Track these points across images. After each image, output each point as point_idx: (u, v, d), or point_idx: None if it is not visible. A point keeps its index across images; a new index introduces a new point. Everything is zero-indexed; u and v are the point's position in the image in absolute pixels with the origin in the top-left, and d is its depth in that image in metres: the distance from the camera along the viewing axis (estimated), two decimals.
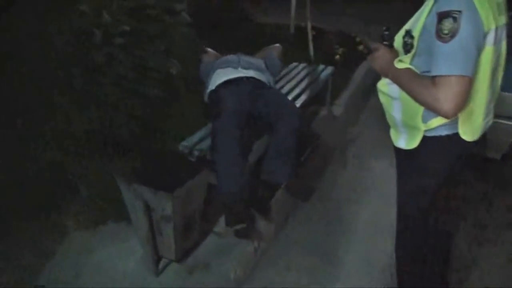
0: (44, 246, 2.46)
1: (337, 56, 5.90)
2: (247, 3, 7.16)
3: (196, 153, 2.65)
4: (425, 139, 1.68)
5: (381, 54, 1.72)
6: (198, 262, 2.41)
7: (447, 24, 1.42)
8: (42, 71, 2.81)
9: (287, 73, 4.28)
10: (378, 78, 1.86)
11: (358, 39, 6.98)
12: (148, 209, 2.14)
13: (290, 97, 3.59)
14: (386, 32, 1.73)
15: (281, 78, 4.10)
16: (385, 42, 1.72)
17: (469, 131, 1.64)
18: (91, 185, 2.73)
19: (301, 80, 4.09)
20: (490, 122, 1.75)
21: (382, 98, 1.84)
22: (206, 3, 6.64)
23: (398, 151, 1.84)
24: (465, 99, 1.47)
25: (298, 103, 3.49)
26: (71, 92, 2.85)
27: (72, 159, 2.86)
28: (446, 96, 1.43)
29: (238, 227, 2.45)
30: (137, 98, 3.04)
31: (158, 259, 2.33)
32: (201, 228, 2.48)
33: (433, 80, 1.47)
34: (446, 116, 1.49)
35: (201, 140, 2.77)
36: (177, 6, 3.03)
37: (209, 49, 3.59)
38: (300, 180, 3.28)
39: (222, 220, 2.70)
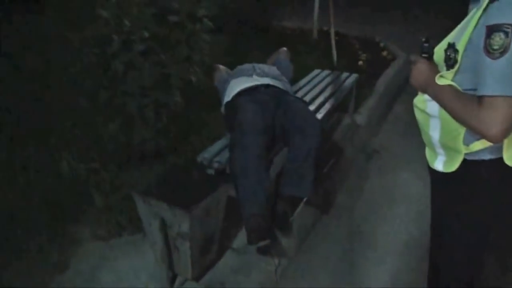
0: (57, 257, 2.40)
1: (361, 62, 5.77)
2: (270, 8, 7.07)
3: (215, 165, 2.55)
4: (465, 162, 1.53)
5: (420, 68, 1.56)
6: (215, 280, 2.31)
7: (498, 39, 1.28)
8: (67, 78, 2.77)
9: (309, 81, 4.17)
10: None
11: (382, 45, 6.84)
12: (164, 225, 2.05)
13: (312, 106, 3.48)
14: (426, 44, 1.56)
15: (303, 86, 3.99)
16: (424, 55, 1.56)
17: None
18: (107, 196, 2.66)
19: (324, 88, 3.98)
20: None
21: (419, 116, 1.68)
22: (231, 9, 6.60)
23: (434, 173, 1.69)
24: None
25: (321, 112, 3.38)
26: (94, 101, 2.79)
27: (89, 169, 2.81)
28: (494, 119, 1.30)
29: (261, 244, 2.34)
30: (157, 107, 2.96)
31: (173, 277, 2.24)
32: (219, 245, 2.38)
33: (479, 100, 1.33)
34: (491, 141, 1.36)
35: (221, 151, 2.67)
36: (200, 12, 2.94)
37: (219, 66, 3.49)
38: (321, 193, 3.18)
39: (241, 236, 2.61)
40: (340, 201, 3.22)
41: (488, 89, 1.31)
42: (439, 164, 1.64)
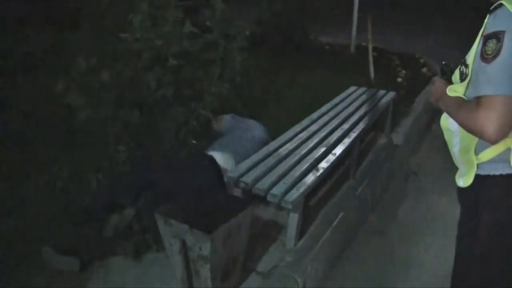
0: (80, 274, 2.39)
1: (399, 79, 5.62)
2: (308, 23, 7.03)
3: (241, 185, 2.50)
4: (478, 178, 1.59)
5: (437, 85, 1.71)
6: None
7: (491, 44, 1.38)
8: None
9: (345, 98, 4.08)
10: None
11: (422, 61, 6.66)
12: (184, 247, 2.01)
13: (346, 124, 3.39)
14: (445, 66, 1.73)
15: (338, 103, 3.90)
16: (443, 76, 1.72)
17: None
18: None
19: (360, 106, 3.88)
20: None
21: (445, 134, 1.75)
22: (269, 25, 6.63)
23: (459, 191, 1.73)
24: (510, 121, 1.38)
25: (355, 131, 3.28)
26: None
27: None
28: (489, 118, 1.37)
29: None
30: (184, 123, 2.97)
31: None
32: (242, 267, 2.31)
33: (477, 102, 1.42)
34: (489, 140, 1.41)
35: (248, 171, 2.62)
36: (233, 30, 2.93)
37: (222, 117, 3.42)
38: (352, 215, 3.08)
39: (265, 258, 2.54)
40: (371, 225, 3.10)
41: (481, 90, 1.39)
42: (461, 180, 1.68)
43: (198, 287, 2.12)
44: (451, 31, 8.72)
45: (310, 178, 2.63)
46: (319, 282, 2.53)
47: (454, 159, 1.72)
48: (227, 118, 3.35)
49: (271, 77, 5.52)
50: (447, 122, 1.69)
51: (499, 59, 1.35)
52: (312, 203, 3.07)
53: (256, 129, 3.19)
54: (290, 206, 2.38)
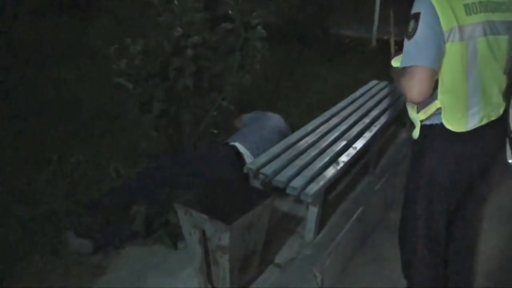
0: (97, 259, 2.41)
1: None
2: (328, 16, 6.96)
3: (261, 177, 2.49)
4: (423, 128, 1.84)
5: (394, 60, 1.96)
6: None
7: (411, 24, 1.68)
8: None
9: (365, 92, 4.03)
10: None
11: None
12: (204, 238, 2.01)
13: (367, 118, 3.35)
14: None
15: (358, 97, 3.86)
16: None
17: (454, 121, 1.76)
18: None
19: (381, 100, 3.82)
20: (488, 118, 1.81)
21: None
22: (289, 17, 6.58)
23: (412, 143, 1.98)
24: (427, 86, 1.66)
25: (376, 125, 3.24)
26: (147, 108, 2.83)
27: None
28: (410, 84, 1.67)
29: None
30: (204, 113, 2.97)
31: None
32: (260, 259, 2.30)
33: (403, 73, 1.72)
34: (413, 102, 1.73)
35: (268, 162, 2.60)
36: (254, 21, 2.90)
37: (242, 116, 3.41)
38: (371, 209, 3.04)
39: (284, 250, 2.53)
40: (391, 219, 3.05)
41: (403, 62, 1.71)
42: (414, 133, 1.91)
43: (217, 277, 2.11)
44: None
45: (330, 171, 2.61)
46: (337, 276, 2.50)
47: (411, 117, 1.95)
48: (248, 116, 3.33)
49: (291, 70, 5.49)
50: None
51: (415, 36, 1.65)
52: (331, 197, 3.05)
53: (276, 121, 3.17)
54: (309, 199, 2.37)
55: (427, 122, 1.81)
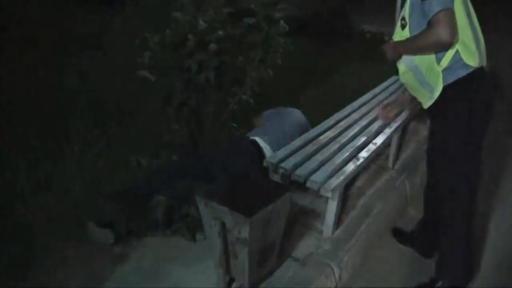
0: (119, 249, 2.45)
1: None
2: (350, 11, 6.91)
3: (281, 171, 2.50)
4: (449, 87, 2.14)
5: (386, 45, 2.37)
6: None
7: None
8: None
9: (386, 87, 3.99)
10: None
11: None
12: (224, 230, 2.03)
13: None
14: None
15: (379, 93, 3.83)
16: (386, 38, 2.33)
17: (469, 57, 2.11)
18: None
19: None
20: (484, 61, 2.20)
21: (408, 80, 2.34)
22: (311, 11, 6.56)
23: (428, 110, 2.31)
24: (454, 25, 2.00)
25: (396, 121, 3.21)
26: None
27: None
28: (442, 28, 1.96)
29: None
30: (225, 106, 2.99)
31: (230, 281, 2.21)
32: (279, 253, 2.31)
33: (428, 25, 2.02)
34: (447, 42, 2.01)
35: (288, 156, 2.61)
36: (276, 15, 2.90)
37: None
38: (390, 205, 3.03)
39: (302, 245, 2.54)
40: (410, 217, 3.04)
41: (431, 11, 1.98)
42: (433, 95, 2.19)
43: (235, 269, 2.14)
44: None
45: (350, 166, 2.61)
46: (355, 272, 2.51)
47: (420, 90, 2.29)
48: (268, 112, 3.34)
49: (312, 64, 5.46)
50: (404, 67, 2.29)
51: None
52: (350, 192, 3.04)
53: (296, 116, 3.17)
54: (329, 194, 2.37)
55: (451, 79, 2.13)
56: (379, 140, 2.95)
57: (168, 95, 2.85)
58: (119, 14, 5.76)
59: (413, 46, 2.18)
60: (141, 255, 2.43)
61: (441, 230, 2.37)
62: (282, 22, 2.93)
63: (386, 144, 3.08)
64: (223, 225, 2.02)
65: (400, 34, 2.27)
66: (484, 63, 2.20)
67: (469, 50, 2.12)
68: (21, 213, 2.60)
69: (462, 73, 2.12)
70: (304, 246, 2.54)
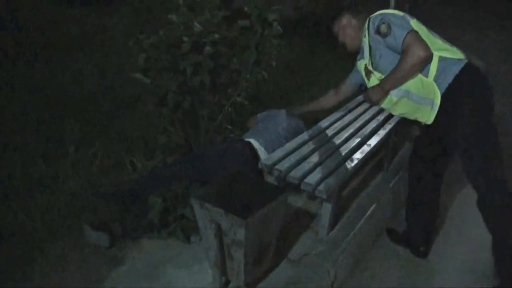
0: (115, 251, 2.46)
1: None
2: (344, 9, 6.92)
3: (275, 172, 2.51)
4: (447, 92, 2.22)
5: (369, 92, 2.42)
6: None
7: (383, 27, 2.25)
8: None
9: None
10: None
11: None
12: (219, 232, 2.04)
13: (382, 115, 3.33)
14: (362, 86, 2.66)
15: None
16: (362, 88, 2.62)
17: (455, 54, 2.25)
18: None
19: None
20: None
21: (403, 109, 2.39)
22: (306, 12, 6.57)
23: (427, 126, 2.39)
24: (424, 40, 2.17)
25: (391, 122, 3.23)
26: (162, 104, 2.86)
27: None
28: (416, 46, 2.14)
29: None
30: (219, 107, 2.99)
31: (226, 282, 2.22)
32: (275, 254, 2.33)
33: (403, 53, 2.19)
34: (428, 56, 2.17)
35: (282, 158, 2.62)
36: (270, 17, 2.90)
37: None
38: (384, 208, 3.05)
39: (297, 246, 2.56)
40: (404, 218, 3.05)
41: (399, 39, 2.18)
42: (434, 107, 2.26)
43: (231, 270, 2.15)
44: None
45: (345, 168, 2.62)
46: (350, 272, 2.52)
47: (419, 110, 2.32)
48: (262, 114, 3.35)
49: (307, 64, 5.48)
50: (394, 97, 2.34)
51: (393, 27, 2.21)
52: (345, 193, 3.06)
53: (291, 117, 3.19)
54: (324, 196, 2.38)
55: (448, 82, 2.20)
56: (373, 141, 2.96)
57: (163, 97, 2.85)
58: (114, 15, 5.76)
59: (398, 77, 2.26)
60: (136, 257, 2.44)
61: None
62: (276, 24, 2.94)
63: (380, 145, 3.09)
64: (218, 227, 2.03)
65: (373, 81, 2.41)
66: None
67: (450, 49, 2.26)
68: (17, 214, 2.60)
69: (456, 69, 2.20)
70: (300, 247, 2.55)
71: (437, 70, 2.22)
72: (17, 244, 2.42)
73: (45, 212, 2.64)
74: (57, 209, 2.68)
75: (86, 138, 3.33)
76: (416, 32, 2.18)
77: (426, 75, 2.24)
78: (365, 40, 2.40)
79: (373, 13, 2.41)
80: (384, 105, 2.44)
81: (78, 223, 2.54)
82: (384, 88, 2.34)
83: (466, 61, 2.25)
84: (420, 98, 2.28)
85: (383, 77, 2.35)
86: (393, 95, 2.35)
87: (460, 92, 2.21)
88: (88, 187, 2.85)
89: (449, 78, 2.21)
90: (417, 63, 2.18)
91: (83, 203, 2.72)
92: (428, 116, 2.30)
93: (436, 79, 2.23)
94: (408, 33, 2.16)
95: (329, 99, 3.10)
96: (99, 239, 2.42)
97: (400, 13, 2.31)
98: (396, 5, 6.24)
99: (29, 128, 3.47)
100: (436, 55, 2.21)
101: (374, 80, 2.42)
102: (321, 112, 3.32)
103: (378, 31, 2.28)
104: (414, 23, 2.26)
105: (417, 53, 2.14)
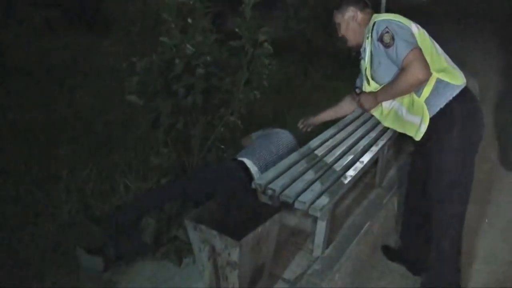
0: (108, 275, 2.44)
1: None
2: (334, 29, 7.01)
3: (269, 192, 2.51)
4: (438, 114, 2.19)
5: (364, 96, 2.41)
6: None
7: (386, 37, 2.14)
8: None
9: None
10: None
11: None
12: (213, 253, 2.03)
13: (374, 132, 3.36)
14: (357, 89, 2.57)
15: (364, 112, 3.87)
16: (357, 91, 2.55)
17: (454, 78, 2.20)
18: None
19: None
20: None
21: (392, 123, 2.39)
22: (297, 31, 6.65)
23: (416, 143, 2.35)
24: (425, 60, 2.09)
25: (383, 139, 3.25)
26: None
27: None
28: (416, 67, 2.07)
29: None
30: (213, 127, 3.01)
31: None
32: (269, 274, 2.32)
33: (402, 68, 2.13)
34: (425, 79, 2.12)
35: (276, 177, 2.63)
36: (261, 37, 2.94)
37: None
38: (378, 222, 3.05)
39: (292, 265, 2.55)
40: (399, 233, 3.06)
41: (401, 55, 2.10)
42: (422, 127, 2.23)
43: None
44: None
45: (338, 186, 2.63)
46: None
47: (406, 125, 2.30)
48: (256, 133, 3.37)
49: (298, 84, 5.53)
50: (386, 107, 2.34)
51: (396, 39, 2.11)
52: (339, 211, 3.06)
53: (284, 136, 3.20)
54: (318, 214, 2.38)
55: (439, 106, 2.17)
56: (366, 158, 2.98)
57: (156, 118, 2.86)
58: (108, 37, 5.80)
59: (392, 92, 2.24)
60: (131, 280, 2.42)
61: (434, 248, 2.37)
62: (266, 44, 2.97)
63: (373, 162, 3.11)
64: (212, 248, 2.03)
65: (369, 88, 2.38)
66: (465, 81, 2.26)
67: (450, 72, 2.20)
68: (11, 242, 2.58)
69: (450, 95, 2.17)
70: (295, 267, 2.54)
71: (431, 93, 2.18)
72: (12, 272, 2.40)
73: (39, 238, 2.62)
74: (51, 234, 2.66)
75: (79, 161, 3.32)
76: (419, 50, 2.10)
77: (419, 95, 2.20)
78: (367, 42, 2.30)
79: (379, 13, 2.34)
80: (375, 113, 2.44)
81: (72, 248, 2.52)
82: (377, 98, 2.33)
83: (463, 86, 2.21)
84: (409, 115, 2.27)
85: (378, 87, 2.32)
86: (384, 107, 2.35)
87: (450, 120, 2.18)
88: (81, 210, 2.84)
89: (441, 103, 2.18)
90: (414, 83, 2.12)
91: (77, 228, 2.70)
92: (415, 133, 2.28)
93: (428, 101, 2.19)
94: (411, 50, 2.08)
95: (349, 105, 3.00)
96: (93, 263, 2.40)
97: (407, 22, 2.20)
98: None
99: (22, 152, 3.46)
100: (434, 76, 2.16)
101: (368, 88, 2.40)
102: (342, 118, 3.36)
103: (381, 39, 2.17)
104: (420, 36, 2.18)
105: (416, 74, 2.07)
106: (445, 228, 2.29)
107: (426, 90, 2.17)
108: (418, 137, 2.28)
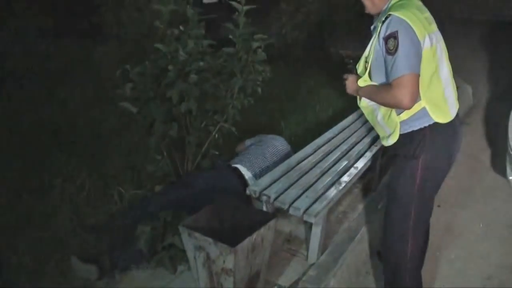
0: (101, 284, 2.42)
1: None
2: (328, 35, 7.06)
3: (264, 198, 2.51)
4: (412, 133, 2.08)
5: (350, 80, 2.30)
6: None
7: (391, 42, 1.94)
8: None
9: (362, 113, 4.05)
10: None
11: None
12: (208, 260, 2.02)
13: (369, 138, 3.36)
14: (352, 64, 2.41)
15: (360, 116, 3.88)
16: (349, 66, 2.44)
17: (440, 114, 2.06)
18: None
19: None
20: (457, 107, 2.17)
21: (366, 112, 2.32)
22: (290, 38, 6.68)
23: (385, 148, 2.32)
24: (417, 90, 1.94)
25: (377, 144, 3.26)
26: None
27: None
28: (403, 92, 1.90)
29: None
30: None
31: None
32: (264, 281, 2.31)
33: (391, 85, 1.96)
34: (406, 108, 2.00)
35: (270, 184, 2.63)
36: (254, 44, 2.95)
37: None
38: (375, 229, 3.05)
39: (287, 272, 2.54)
40: None
41: (393, 74, 1.93)
42: (389, 139, 2.19)
43: None
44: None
45: (333, 191, 2.63)
46: None
47: (379, 127, 2.26)
48: (250, 139, 3.37)
49: (292, 90, 5.54)
50: (365, 102, 2.25)
51: (398, 51, 1.90)
52: (333, 217, 3.06)
53: (278, 143, 3.21)
54: (313, 220, 2.39)
55: (415, 127, 2.07)
56: (360, 164, 2.99)
57: (150, 125, 2.86)
58: (101, 44, 5.80)
59: (372, 97, 2.15)
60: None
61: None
62: (260, 50, 2.98)
63: (367, 167, 3.11)
64: (207, 255, 2.02)
65: (364, 77, 2.18)
66: (454, 115, 2.14)
67: (439, 108, 2.06)
68: (4, 251, 2.56)
69: (426, 122, 2.06)
70: (290, 273, 2.54)
71: (410, 117, 2.07)
72: (6, 281, 2.37)
73: (33, 246, 2.60)
74: (45, 243, 2.64)
75: (73, 169, 3.31)
76: (415, 77, 1.91)
77: (397, 113, 2.09)
78: (376, 30, 2.07)
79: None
80: (358, 101, 2.33)
81: (66, 256, 2.51)
82: (358, 92, 2.23)
83: (448, 121, 2.08)
84: (382, 122, 2.19)
85: (368, 79, 2.15)
86: (366, 100, 2.25)
87: (420, 144, 2.07)
88: (75, 219, 2.82)
89: (415, 126, 2.07)
90: (394, 106, 2.04)
91: (71, 236, 2.69)
92: (383, 139, 2.25)
93: (404, 122, 2.09)
94: (407, 74, 1.90)
95: None
96: (88, 272, 2.39)
97: (421, 34, 1.95)
98: None
99: (15, 160, 3.44)
100: (421, 104, 2.02)
101: (360, 71, 2.24)
102: None
103: (386, 40, 1.96)
104: (428, 54, 1.99)
105: (400, 100, 1.91)
106: (388, 254, 2.34)
107: (406, 114, 2.06)
108: (385, 144, 2.25)
